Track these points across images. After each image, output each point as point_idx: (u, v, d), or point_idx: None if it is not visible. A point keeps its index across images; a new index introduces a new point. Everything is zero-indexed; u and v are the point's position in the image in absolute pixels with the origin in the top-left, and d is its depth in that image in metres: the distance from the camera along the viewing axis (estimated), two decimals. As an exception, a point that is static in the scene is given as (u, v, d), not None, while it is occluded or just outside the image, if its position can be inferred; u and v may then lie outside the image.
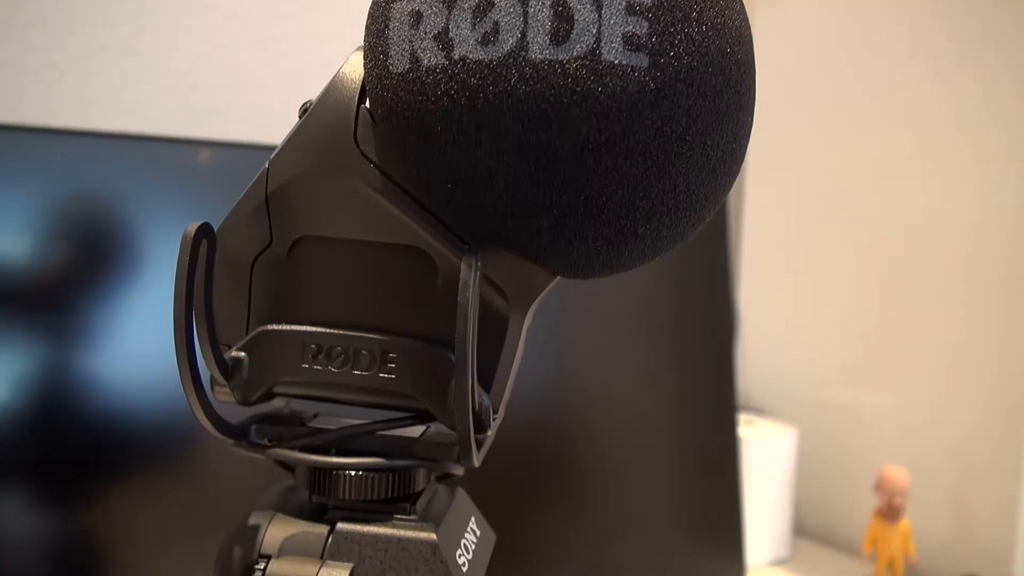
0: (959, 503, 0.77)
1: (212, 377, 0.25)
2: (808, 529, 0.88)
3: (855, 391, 0.86)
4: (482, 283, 0.23)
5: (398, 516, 0.25)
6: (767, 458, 0.81)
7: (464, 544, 0.25)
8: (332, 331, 0.24)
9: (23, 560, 0.49)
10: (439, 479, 0.28)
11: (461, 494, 0.27)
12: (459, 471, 0.27)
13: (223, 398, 0.25)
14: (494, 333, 0.24)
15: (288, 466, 0.27)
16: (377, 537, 0.24)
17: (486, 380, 0.24)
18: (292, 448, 0.25)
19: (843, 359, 0.88)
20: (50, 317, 0.50)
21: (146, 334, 0.51)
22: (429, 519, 0.25)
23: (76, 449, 0.49)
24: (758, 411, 0.90)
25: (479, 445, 0.24)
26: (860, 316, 0.86)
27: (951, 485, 0.78)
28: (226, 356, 0.24)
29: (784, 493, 0.83)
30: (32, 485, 0.49)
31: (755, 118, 0.23)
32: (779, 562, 0.82)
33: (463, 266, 0.22)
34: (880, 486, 0.74)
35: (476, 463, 0.24)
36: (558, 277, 0.25)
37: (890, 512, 0.74)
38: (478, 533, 0.27)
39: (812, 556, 0.84)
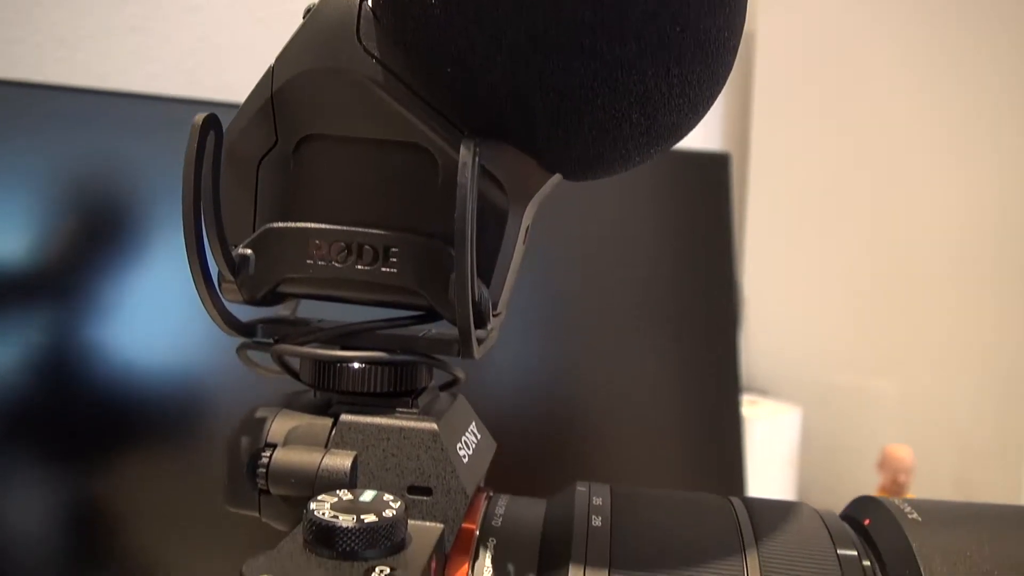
0: (962, 485, 0.77)
1: (220, 275, 0.25)
2: (812, 510, 0.88)
3: (859, 372, 0.86)
4: (481, 176, 0.24)
5: (400, 409, 0.25)
6: (771, 438, 0.81)
7: (465, 440, 0.26)
8: (336, 227, 0.25)
9: (32, 528, 0.49)
10: (441, 388, 0.29)
11: (462, 400, 0.28)
12: (460, 374, 0.28)
13: (230, 296, 0.25)
14: (493, 228, 0.24)
15: (294, 372, 0.28)
16: (379, 427, 0.24)
17: (486, 275, 0.25)
18: (297, 344, 0.26)
19: (847, 340, 0.88)
20: (58, 284, 0.50)
21: (156, 301, 0.52)
22: (431, 414, 0.25)
23: (85, 420, 0.50)
24: (762, 392, 0.90)
25: (479, 341, 0.25)
26: (864, 298, 0.87)
27: (954, 467, 0.78)
28: (233, 254, 0.25)
29: (788, 473, 0.83)
30: (41, 454, 0.49)
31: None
32: (783, 542, 0.82)
33: (462, 148, 0.22)
34: (884, 463, 0.74)
35: (476, 355, 0.24)
36: (557, 176, 0.25)
37: (894, 490, 0.73)
38: (479, 436, 0.27)
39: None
